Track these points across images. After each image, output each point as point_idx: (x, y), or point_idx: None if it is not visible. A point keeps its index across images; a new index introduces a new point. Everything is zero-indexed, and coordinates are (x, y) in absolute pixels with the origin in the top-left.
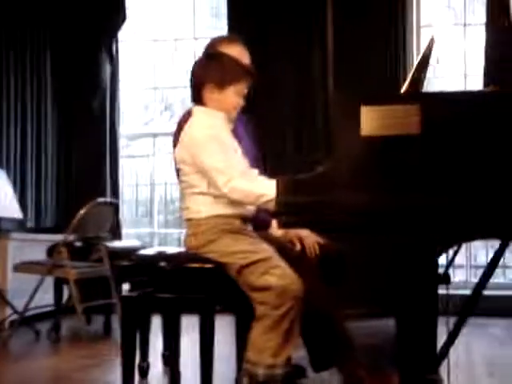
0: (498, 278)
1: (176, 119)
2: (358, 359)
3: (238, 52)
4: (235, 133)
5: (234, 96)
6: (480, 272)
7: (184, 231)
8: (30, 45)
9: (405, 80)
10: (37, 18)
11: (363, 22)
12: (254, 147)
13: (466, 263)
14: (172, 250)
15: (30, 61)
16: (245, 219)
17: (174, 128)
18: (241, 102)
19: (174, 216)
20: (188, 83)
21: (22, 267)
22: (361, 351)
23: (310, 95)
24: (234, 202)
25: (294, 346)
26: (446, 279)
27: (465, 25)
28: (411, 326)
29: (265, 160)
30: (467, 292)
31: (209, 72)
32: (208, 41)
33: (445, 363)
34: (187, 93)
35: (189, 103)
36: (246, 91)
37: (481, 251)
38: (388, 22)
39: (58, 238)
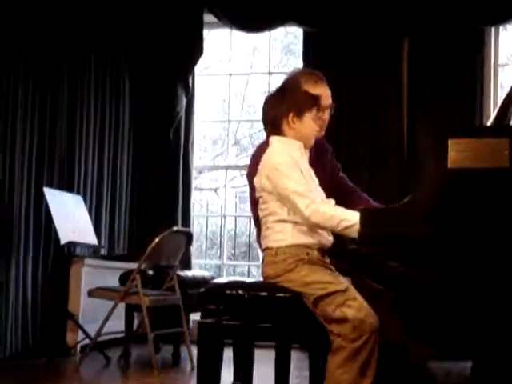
0: None
1: (244, 154)
2: None
3: (322, 92)
4: (311, 162)
5: (311, 123)
6: None
7: (250, 263)
8: (109, 77)
9: (482, 118)
10: (116, 52)
11: (440, 60)
12: (329, 177)
13: None
14: (246, 279)
15: (110, 91)
16: (323, 250)
17: (242, 162)
18: (317, 128)
19: (240, 250)
20: (258, 118)
21: (96, 292)
22: None
23: (384, 138)
24: (312, 230)
25: (370, 379)
26: None
27: None
28: (489, 365)
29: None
30: None
31: (287, 103)
32: (282, 76)
33: None
34: (256, 127)
35: (257, 138)
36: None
37: None
38: (465, 60)
39: (130, 266)
